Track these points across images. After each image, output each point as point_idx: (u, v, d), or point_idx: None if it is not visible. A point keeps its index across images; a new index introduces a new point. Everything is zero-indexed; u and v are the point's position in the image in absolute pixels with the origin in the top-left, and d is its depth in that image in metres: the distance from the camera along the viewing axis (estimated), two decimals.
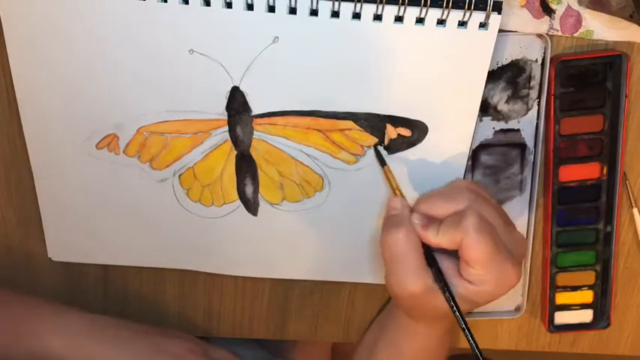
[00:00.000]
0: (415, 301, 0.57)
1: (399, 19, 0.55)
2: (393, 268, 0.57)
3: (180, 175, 0.64)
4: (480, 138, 0.64)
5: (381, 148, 0.62)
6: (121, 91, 0.59)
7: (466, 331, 0.56)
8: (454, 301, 0.56)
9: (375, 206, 0.64)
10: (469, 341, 0.56)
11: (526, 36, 0.60)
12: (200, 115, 0.60)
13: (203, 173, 0.63)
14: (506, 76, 0.62)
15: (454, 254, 0.56)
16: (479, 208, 0.55)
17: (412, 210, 0.58)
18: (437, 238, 0.55)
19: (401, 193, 0.60)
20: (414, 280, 0.56)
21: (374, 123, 0.61)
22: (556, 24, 0.59)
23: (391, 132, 0.61)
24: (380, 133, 0.61)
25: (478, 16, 0.55)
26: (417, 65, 0.58)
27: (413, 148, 0.62)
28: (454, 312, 0.56)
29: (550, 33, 0.60)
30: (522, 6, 0.58)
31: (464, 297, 0.56)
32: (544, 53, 0.61)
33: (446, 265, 0.57)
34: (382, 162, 0.62)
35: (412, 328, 0.63)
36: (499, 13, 0.55)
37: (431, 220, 0.56)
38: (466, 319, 0.56)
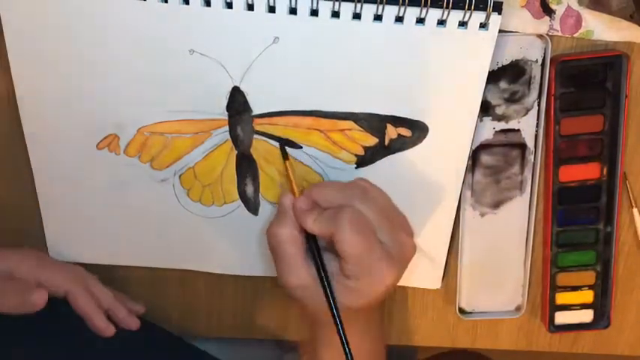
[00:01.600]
0: (299, 296, 0.58)
1: (399, 19, 0.55)
2: (275, 263, 0.59)
3: (180, 175, 0.64)
4: (480, 138, 0.64)
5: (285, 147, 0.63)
6: (121, 91, 0.59)
7: (339, 326, 0.57)
8: (331, 293, 0.57)
9: None
10: (341, 338, 0.57)
11: (526, 36, 0.60)
12: (200, 115, 0.60)
13: (203, 173, 0.63)
14: (507, 76, 0.62)
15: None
16: (360, 205, 0.56)
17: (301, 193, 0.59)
18: (313, 225, 0.56)
19: (295, 188, 0.60)
20: (290, 273, 0.57)
21: (374, 123, 0.61)
22: (556, 24, 0.59)
23: (392, 132, 0.61)
24: (380, 134, 0.61)
25: (478, 17, 0.55)
26: (418, 66, 0.58)
27: (413, 148, 0.62)
28: (329, 304, 0.57)
29: (550, 33, 0.60)
30: (522, 6, 0.59)
31: (342, 292, 0.57)
32: (544, 53, 0.61)
33: (328, 260, 0.58)
34: (285, 156, 0.62)
35: (320, 334, 0.62)
36: (499, 14, 0.55)
37: (314, 207, 0.57)
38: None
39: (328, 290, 0.57)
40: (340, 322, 0.57)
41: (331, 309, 0.57)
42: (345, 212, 0.55)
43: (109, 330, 0.63)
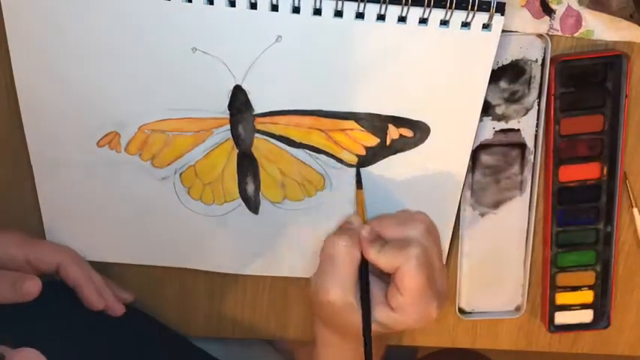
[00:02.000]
0: (331, 310, 0.59)
1: (402, 19, 0.55)
2: (322, 271, 0.60)
3: (181, 174, 0.64)
4: (480, 138, 0.64)
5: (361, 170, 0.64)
6: (122, 88, 0.59)
7: (367, 350, 0.58)
8: (368, 322, 0.58)
9: (376, 206, 0.64)
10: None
11: (526, 36, 0.60)
12: (202, 113, 0.60)
13: (204, 171, 0.63)
14: (507, 76, 0.62)
15: (385, 281, 0.59)
16: (426, 242, 0.58)
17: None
18: (378, 255, 0.58)
19: (364, 217, 0.62)
20: (336, 290, 0.58)
21: (376, 123, 0.61)
22: (556, 24, 0.60)
23: (393, 132, 0.61)
24: (382, 134, 0.61)
25: (481, 17, 0.55)
26: (420, 66, 0.58)
27: (415, 148, 0.62)
28: (364, 331, 0.58)
29: (550, 33, 0.60)
30: (522, 6, 0.59)
31: (381, 321, 0.59)
32: (544, 53, 0.61)
33: (375, 287, 0.59)
34: (359, 185, 0.63)
35: (328, 339, 0.64)
36: (502, 14, 0.55)
37: (378, 238, 0.59)
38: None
39: (367, 318, 0.58)
40: (370, 349, 0.58)
41: (365, 336, 0.58)
42: (414, 247, 0.57)
43: (99, 303, 0.63)
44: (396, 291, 0.57)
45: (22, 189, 0.66)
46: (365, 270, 0.59)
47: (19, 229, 0.65)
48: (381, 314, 0.58)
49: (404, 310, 0.58)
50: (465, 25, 0.56)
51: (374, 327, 0.59)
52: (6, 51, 0.58)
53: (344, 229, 0.62)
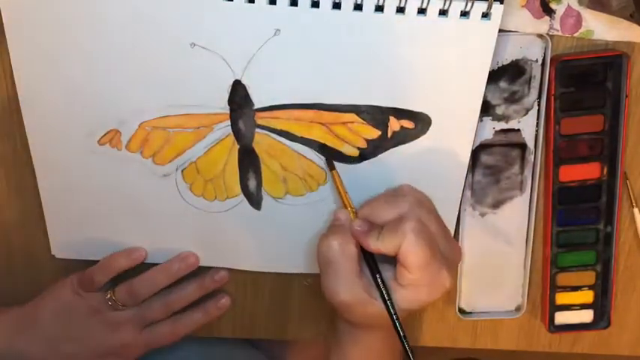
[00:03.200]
0: (347, 309, 0.59)
1: (400, 9, 0.55)
2: (325, 275, 0.59)
3: (182, 170, 0.64)
4: (480, 138, 0.64)
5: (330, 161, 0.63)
6: (122, 86, 0.59)
7: (404, 340, 0.58)
8: (392, 307, 0.57)
9: None
10: (405, 348, 0.58)
11: (526, 36, 0.61)
12: (202, 109, 0.60)
13: (206, 168, 0.63)
14: (507, 76, 0.62)
15: (390, 262, 0.58)
16: (418, 212, 0.57)
17: (356, 215, 0.60)
18: (377, 244, 0.57)
19: (348, 202, 0.61)
20: (343, 289, 0.58)
21: (377, 115, 0.61)
22: (556, 24, 0.60)
23: (394, 124, 0.61)
24: (383, 126, 0.61)
25: (480, 6, 0.55)
26: (420, 57, 0.58)
27: (416, 140, 0.62)
28: (392, 319, 0.57)
29: (550, 33, 0.60)
30: (522, 6, 0.59)
31: (398, 303, 0.58)
32: (544, 53, 0.62)
33: (383, 272, 0.58)
34: (331, 166, 0.63)
35: (353, 335, 0.63)
36: (501, 3, 0.55)
37: (372, 227, 0.58)
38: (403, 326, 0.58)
39: (390, 306, 0.58)
40: (403, 332, 0.58)
41: (394, 322, 0.58)
42: (408, 223, 0.56)
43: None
44: (403, 270, 0.56)
45: (24, 188, 0.66)
46: (371, 259, 0.58)
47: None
48: (396, 295, 0.58)
49: (416, 287, 0.57)
50: (464, 14, 0.56)
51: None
52: (6, 50, 0.58)
53: (334, 226, 0.61)
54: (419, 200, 0.59)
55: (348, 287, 0.58)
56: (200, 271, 0.70)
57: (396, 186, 0.62)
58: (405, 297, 0.58)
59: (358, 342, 0.63)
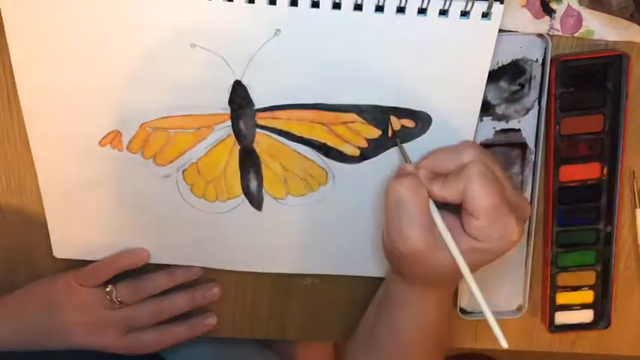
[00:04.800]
0: (413, 257, 0.56)
1: (400, 9, 0.55)
2: (395, 219, 0.56)
3: (183, 171, 0.64)
4: (480, 138, 0.64)
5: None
6: (123, 87, 0.59)
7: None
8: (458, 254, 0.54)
9: (379, 200, 0.64)
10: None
11: (526, 36, 0.61)
12: (203, 110, 0.60)
13: (206, 169, 0.63)
14: (507, 76, 0.62)
15: (457, 213, 0.56)
16: (484, 158, 0.54)
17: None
18: (441, 191, 0.54)
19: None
20: (416, 231, 0.55)
21: (377, 115, 0.61)
22: (556, 24, 0.60)
23: (395, 123, 0.61)
24: (384, 125, 0.61)
25: (480, 6, 0.55)
26: (420, 56, 0.58)
27: (417, 139, 0.62)
28: (460, 265, 0.54)
29: (550, 33, 0.60)
30: (523, 6, 0.59)
31: (467, 253, 0.55)
32: (544, 53, 0.62)
33: (450, 221, 0.55)
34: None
35: (407, 297, 0.61)
36: (501, 3, 0.55)
37: (437, 175, 0.56)
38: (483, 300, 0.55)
39: (455, 249, 0.55)
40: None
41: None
42: (473, 166, 0.53)
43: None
44: (470, 217, 0.54)
45: (24, 188, 0.66)
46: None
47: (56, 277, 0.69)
48: (463, 246, 0.54)
49: (485, 234, 0.54)
50: (464, 14, 0.56)
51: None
52: (6, 51, 0.58)
53: (401, 174, 0.57)
54: (482, 150, 0.56)
55: (420, 231, 0.55)
56: (196, 282, 0.70)
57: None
58: (473, 246, 0.54)
59: (412, 303, 0.61)
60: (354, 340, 0.69)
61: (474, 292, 0.55)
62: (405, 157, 0.61)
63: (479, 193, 0.52)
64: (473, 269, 0.55)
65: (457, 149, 0.56)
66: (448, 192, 0.54)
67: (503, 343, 0.55)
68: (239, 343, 0.78)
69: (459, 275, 0.55)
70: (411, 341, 0.63)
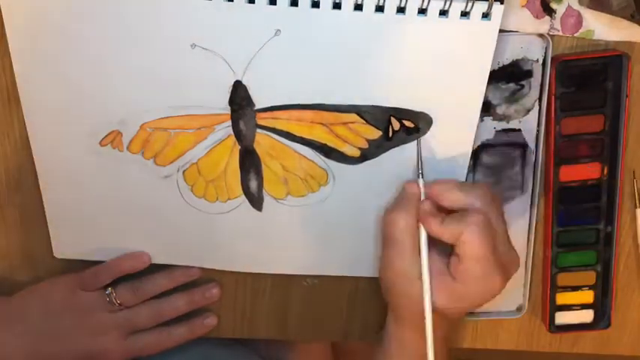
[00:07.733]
0: (393, 284, 0.59)
1: (401, 10, 0.55)
2: (387, 245, 0.59)
3: (184, 171, 0.64)
4: (481, 138, 0.64)
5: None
6: (123, 87, 0.59)
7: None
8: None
9: (379, 200, 0.64)
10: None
11: (527, 36, 0.61)
12: (203, 110, 0.60)
13: (207, 169, 0.63)
14: (507, 76, 0.62)
15: (445, 253, 0.58)
16: (488, 209, 0.56)
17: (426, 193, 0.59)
18: (439, 228, 0.56)
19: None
20: (398, 260, 0.58)
21: (378, 115, 0.61)
22: (557, 24, 0.60)
23: (395, 124, 0.61)
24: (384, 126, 0.61)
25: (481, 6, 0.55)
26: (420, 57, 0.58)
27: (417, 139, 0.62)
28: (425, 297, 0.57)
29: (551, 33, 0.60)
30: (523, 6, 0.59)
31: (446, 293, 0.57)
32: (545, 53, 0.62)
33: (437, 259, 0.58)
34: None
35: (400, 334, 0.63)
36: (501, 3, 0.55)
37: (439, 211, 0.58)
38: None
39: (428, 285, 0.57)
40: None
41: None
42: (476, 216, 0.55)
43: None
44: (456, 259, 0.56)
45: (24, 188, 0.66)
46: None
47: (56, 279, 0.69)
48: (443, 286, 0.57)
49: (465, 280, 0.56)
50: (465, 14, 0.56)
51: (437, 304, 0.57)
52: (6, 52, 0.58)
53: (401, 200, 0.60)
54: (492, 198, 0.58)
55: (406, 258, 0.58)
56: (196, 283, 0.70)
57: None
58: (451, 288, 0.57)
59: (405, 346, 0.62)
60: None
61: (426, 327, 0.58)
62: (419, 161, 0.61)
63: (471, 240, 0.55)
64: (453, 316, 0.59)
65: (470, 190, 0.58)
66: (445, 232, 0.56)
67: None
68: (225, 346, 0.78)
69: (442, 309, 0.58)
70: None
